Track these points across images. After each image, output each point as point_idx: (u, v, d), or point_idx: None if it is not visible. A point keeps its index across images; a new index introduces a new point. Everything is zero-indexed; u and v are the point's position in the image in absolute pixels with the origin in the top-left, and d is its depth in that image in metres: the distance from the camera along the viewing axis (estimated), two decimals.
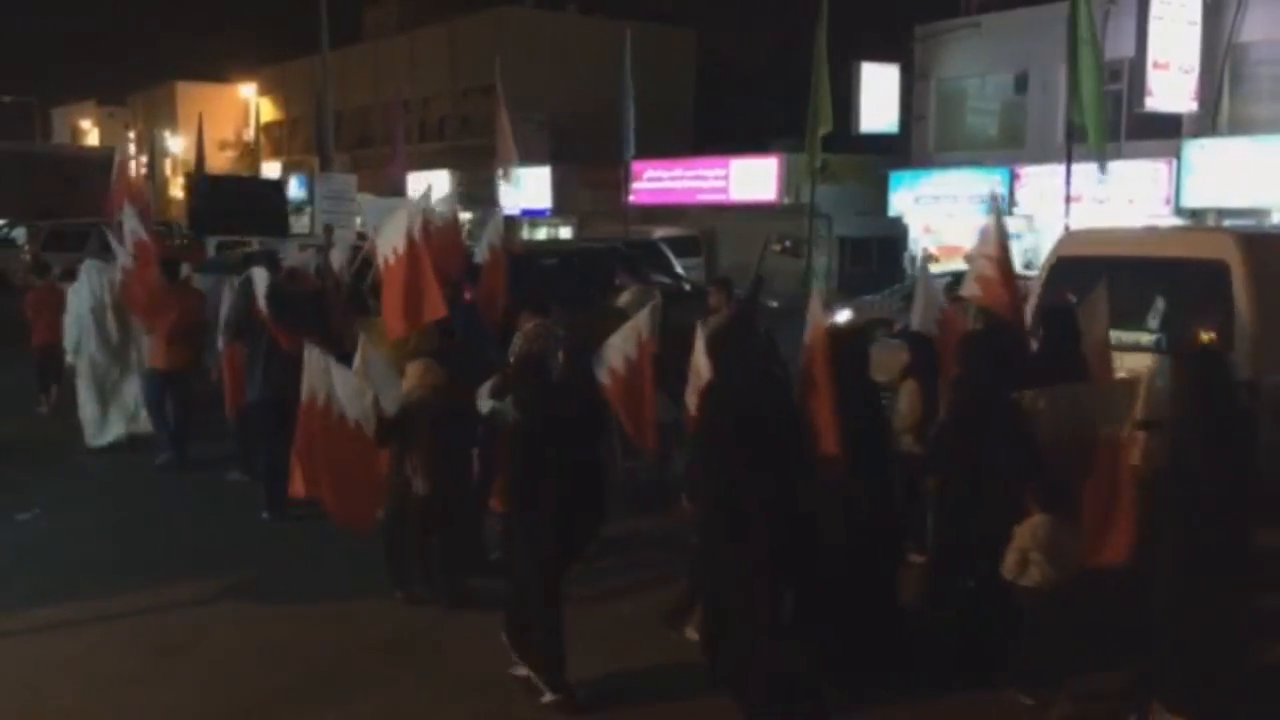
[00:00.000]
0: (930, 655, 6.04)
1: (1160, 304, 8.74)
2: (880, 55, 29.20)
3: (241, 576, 7.75)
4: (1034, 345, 7.87)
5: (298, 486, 7.17)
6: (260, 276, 9.50)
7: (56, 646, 6.58)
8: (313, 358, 7.15)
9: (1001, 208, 7.84)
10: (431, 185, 11.64)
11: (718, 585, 5.83)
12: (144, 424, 11.35)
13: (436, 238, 9.39)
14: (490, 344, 9.29)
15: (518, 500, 5.94)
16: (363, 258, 10.39)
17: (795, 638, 5.72)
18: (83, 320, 11.43)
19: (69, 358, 11.85)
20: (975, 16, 27.71)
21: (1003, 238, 7.83)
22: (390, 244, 8.71)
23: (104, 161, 36.72)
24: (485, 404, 7.12)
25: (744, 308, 9.43)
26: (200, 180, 25.75)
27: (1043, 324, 7.13)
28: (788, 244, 25.86)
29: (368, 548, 7.46)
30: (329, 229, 16.95)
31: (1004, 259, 7.73)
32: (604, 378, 7.40)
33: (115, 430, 11.54)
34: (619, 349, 7.51)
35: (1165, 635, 5.25)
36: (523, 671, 5.92)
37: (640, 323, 7.54)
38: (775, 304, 15.77)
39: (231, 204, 21.65)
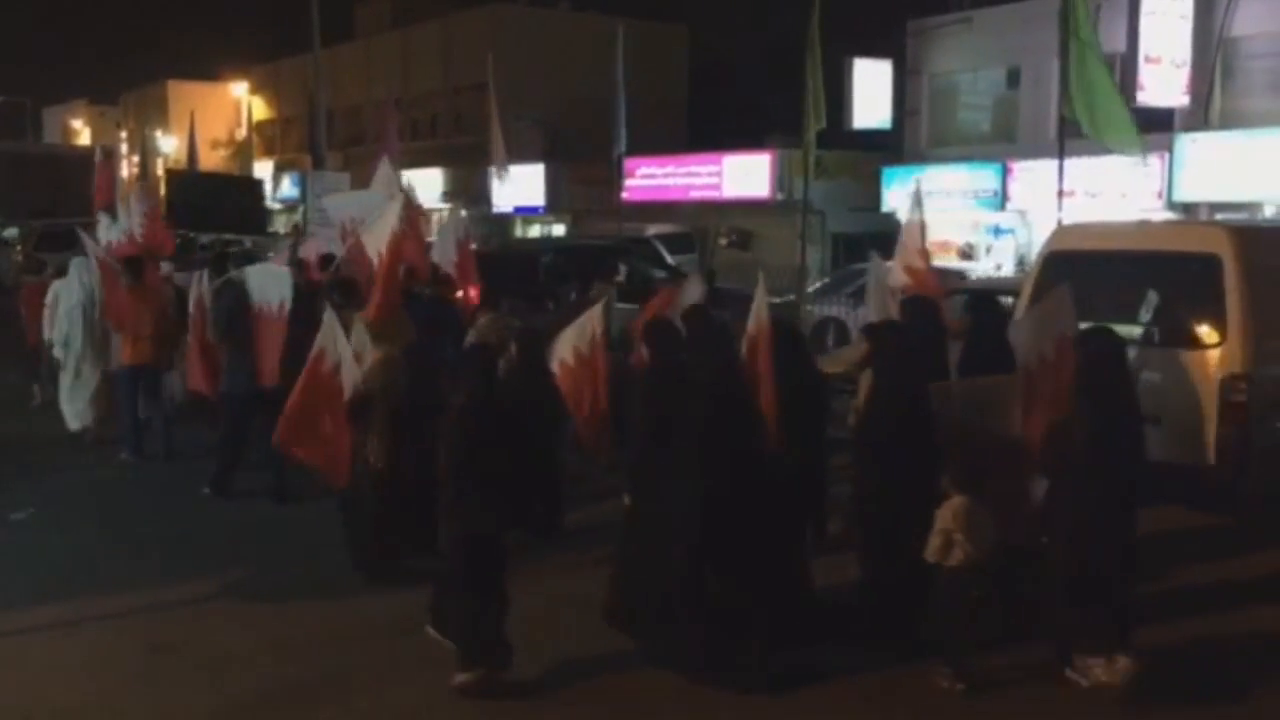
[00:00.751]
0: (853, 633, 6.32)
1: (1153, 298, 8.77)
2: (872, 51, 29.19)
3: (237, 573, 7.76)
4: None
5: (282, 434, 7.56)
6: (265, 276, 9.73)
7: (53, 646, 6.59)
8: (329, 320, 7.53)
9: (922, 203, 8.34)
10: (384, 165, 12.18)
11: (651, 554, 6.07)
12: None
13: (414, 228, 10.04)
14: (450, 339, 9.42)
15: (452, 482, 5.94)
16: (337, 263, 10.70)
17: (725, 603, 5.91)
18: (72, 315, 11.56)
19: (56, 351, 12.01)
20: (967, 12, 27.72)
21: (924, 231, 8.17)
22: (379, 240, 9.23)
23: (81, 162, 36.75)
24: None
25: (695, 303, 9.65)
26: (179, 176, 25.98)
27: (969, 312, 7.43)
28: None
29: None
30: (296, 227, 17.20)
31: (926, 251, 8.32)
32: (555, 368, 7.85)
33: (86, 418, 11.75)
34: (571, 342, 7.95)
35: (1073, 590, 5.74)
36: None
37: (594, 316, 7.95)
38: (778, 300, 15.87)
39: (210, 201, 21.86)
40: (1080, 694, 5.73)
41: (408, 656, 6.38)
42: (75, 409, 11.76)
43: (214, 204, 21.63)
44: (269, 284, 9.57)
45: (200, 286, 10.31)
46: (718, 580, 5.84)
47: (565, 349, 8.07)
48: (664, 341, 6.80)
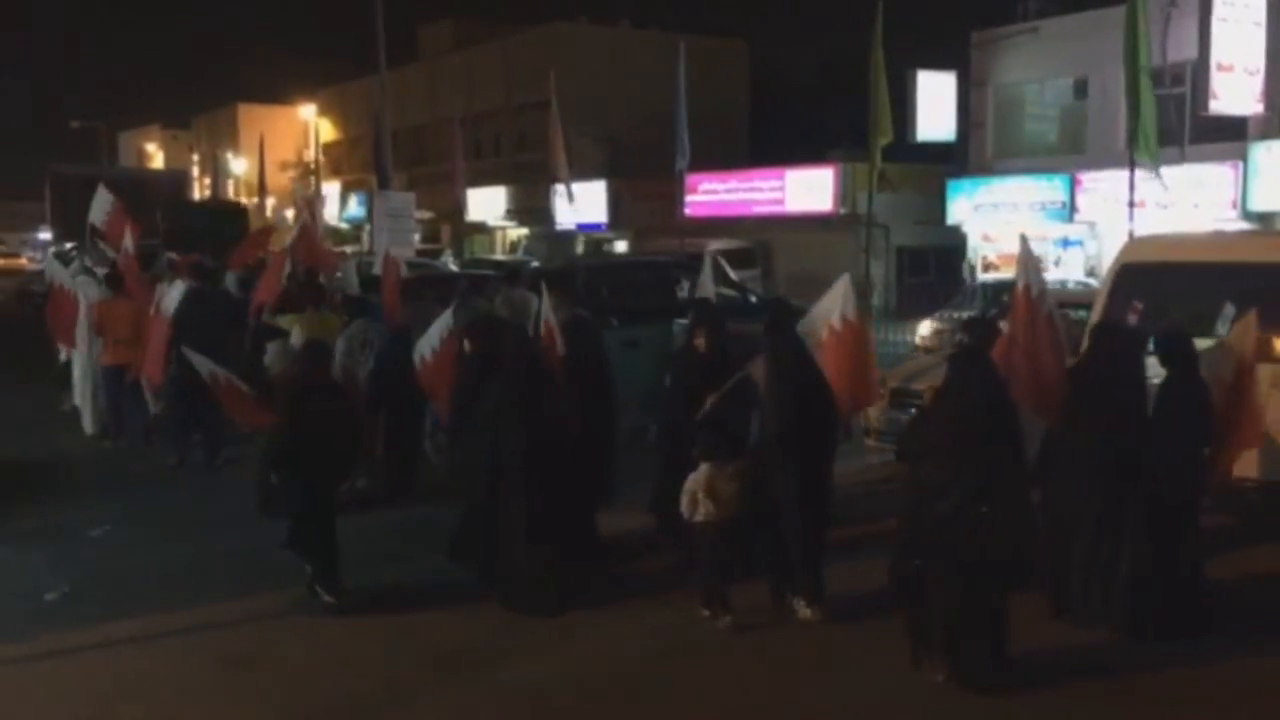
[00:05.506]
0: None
1: (1229, 310, 8.57)
2: (936, 63, 28.95)
3: (303, 588, 7.82)
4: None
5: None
6: (173, 290, 11.78)
7: (128, 661, 6.71)
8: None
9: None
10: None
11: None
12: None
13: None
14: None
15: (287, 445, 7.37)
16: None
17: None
18: (81, 325, 12.92)
19: (65, 355, 13.61)
20: (1033, 22, 27.40)
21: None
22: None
23: (173, 183, 39.94)
24: None
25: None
26: (172, 205, 30.56)
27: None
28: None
29: (427, 560, 7.66)
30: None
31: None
32: (418, 364, 9.49)
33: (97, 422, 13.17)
34: (429, 342, 9.48)
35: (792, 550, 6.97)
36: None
37: (445, 321, 9.46)
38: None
39: (199, 225, 25.21)
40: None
41: (476, 673, 6.42)
42: (93, 413, 13.04)
43: (201, 227, 24.67)
44: (171, 296, 11.71)
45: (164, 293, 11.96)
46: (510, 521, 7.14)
47: (426, 349, 9.50)
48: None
